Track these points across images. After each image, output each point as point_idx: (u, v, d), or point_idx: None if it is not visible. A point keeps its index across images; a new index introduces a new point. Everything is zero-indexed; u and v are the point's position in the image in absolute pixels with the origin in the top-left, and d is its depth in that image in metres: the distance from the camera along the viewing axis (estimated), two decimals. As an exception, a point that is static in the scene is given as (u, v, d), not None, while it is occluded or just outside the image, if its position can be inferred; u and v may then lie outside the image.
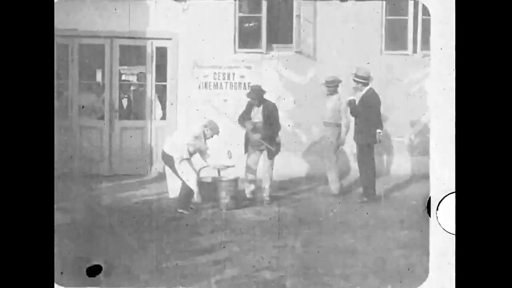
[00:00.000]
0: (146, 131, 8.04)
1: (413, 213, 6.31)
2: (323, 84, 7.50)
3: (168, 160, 7.04)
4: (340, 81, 7.42)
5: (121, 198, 7.13)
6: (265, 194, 7.22)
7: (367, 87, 7.22)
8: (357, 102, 7.25)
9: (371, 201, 7.00)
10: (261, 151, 7.27)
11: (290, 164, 7.77)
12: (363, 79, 7.22)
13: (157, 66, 8.08)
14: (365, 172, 7.14)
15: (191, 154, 7.05)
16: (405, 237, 5.93)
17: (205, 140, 7.13)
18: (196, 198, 6.98)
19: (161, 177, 7.46)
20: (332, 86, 7.42)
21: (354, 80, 7.24)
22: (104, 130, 8.04)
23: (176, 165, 6.96)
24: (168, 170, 7.10)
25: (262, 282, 5.16)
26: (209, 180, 7.24)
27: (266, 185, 7.24)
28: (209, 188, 7.14)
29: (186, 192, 6.92)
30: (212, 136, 7.16)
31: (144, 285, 5.04)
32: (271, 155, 7.23)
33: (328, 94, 7.45)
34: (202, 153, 7.12)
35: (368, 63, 7.42)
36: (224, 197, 6.99)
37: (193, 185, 6.93)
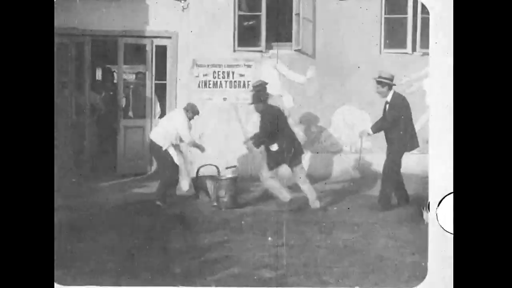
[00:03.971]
0: (146, 130, 8.06)
1: (412, 212, 6.33)
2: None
3: (155, 149, 6.99)
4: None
5: (122, 197, 7.16)
6: (316, 205, 6.80)
7: (392, 91, 6.69)
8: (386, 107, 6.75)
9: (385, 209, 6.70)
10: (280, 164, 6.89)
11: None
12: (389, 80, 6.65)
13: (156, 64, 8.10)
14: (388, 182, 6.71)
15: (178, 141, 7.03)
16: (404, 236, 5.95)
17: (189, 121, 7.08)
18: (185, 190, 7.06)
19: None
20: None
21: (379, 82, 6.66)
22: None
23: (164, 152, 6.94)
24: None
25: (261, 281, 5.18)
26: (208, 177, 7.24)
27: (312, 196, 6.80)
28: (207, 186, 7.17)
29: (166, 182, 6.94)
30: (193, 117, 7.07)
31: (144, 284, 5.06)
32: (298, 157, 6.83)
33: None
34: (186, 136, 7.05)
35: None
36: (224, 196, 7.01)
37: (180, 174, 6.95)
